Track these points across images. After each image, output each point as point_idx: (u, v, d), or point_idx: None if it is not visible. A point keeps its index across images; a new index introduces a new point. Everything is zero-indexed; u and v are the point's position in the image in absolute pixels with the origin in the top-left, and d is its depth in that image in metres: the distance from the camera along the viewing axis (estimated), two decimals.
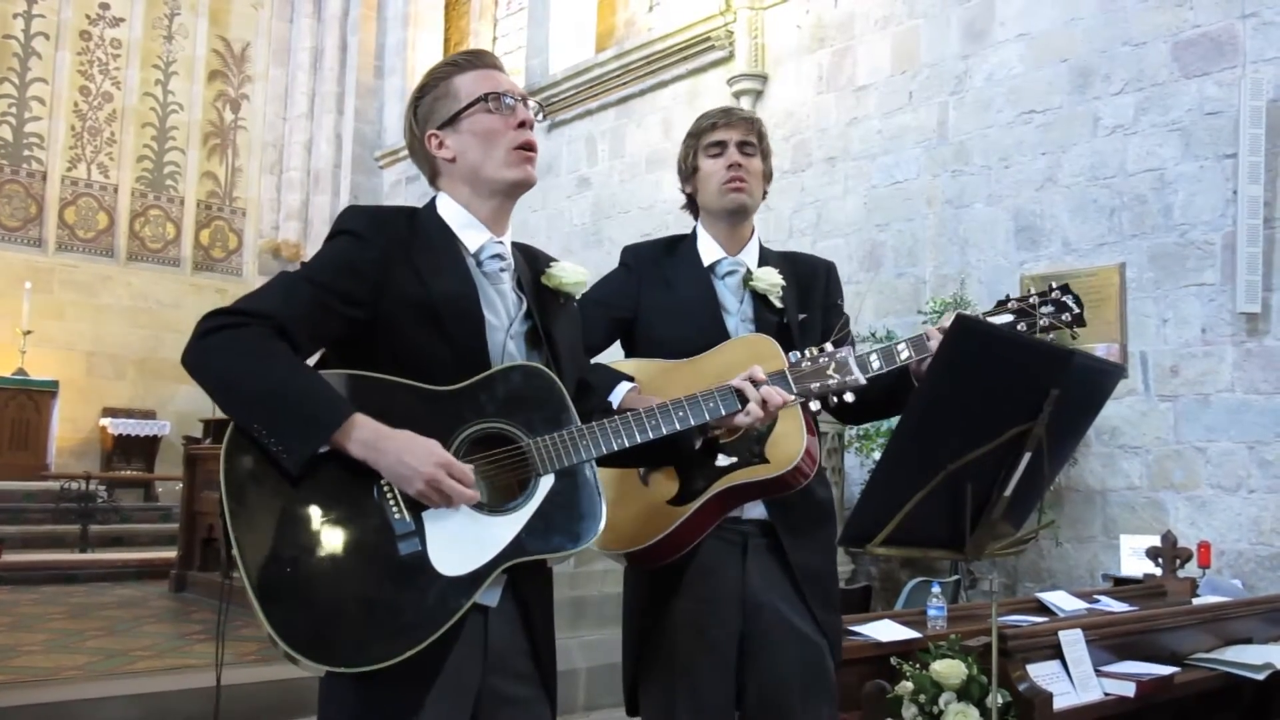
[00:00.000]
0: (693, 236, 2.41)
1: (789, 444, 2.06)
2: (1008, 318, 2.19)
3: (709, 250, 2.35)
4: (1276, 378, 5.48)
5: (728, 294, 2.32)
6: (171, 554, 7.31)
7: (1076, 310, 2.22)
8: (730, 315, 2.29)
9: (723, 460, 2.08)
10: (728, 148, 2.30)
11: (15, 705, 3.71)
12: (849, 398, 1.97)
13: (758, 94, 8.43)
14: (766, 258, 2.38)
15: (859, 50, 7.75)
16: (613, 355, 2.38)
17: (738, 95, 8.49)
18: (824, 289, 2.38)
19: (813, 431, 2.12)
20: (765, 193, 2.39)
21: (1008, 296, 2.25)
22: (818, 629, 2.16)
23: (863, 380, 1.88)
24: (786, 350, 2.01)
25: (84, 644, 4.99)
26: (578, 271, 1.88)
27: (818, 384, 1.87)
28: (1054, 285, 2.27)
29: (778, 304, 2.28)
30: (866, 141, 7.63)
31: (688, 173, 2.39)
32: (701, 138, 2.34)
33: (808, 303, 2.33)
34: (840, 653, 2.24)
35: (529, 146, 1.78)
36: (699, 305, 2.28)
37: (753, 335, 2.21)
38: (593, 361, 2.20)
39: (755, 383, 1.83)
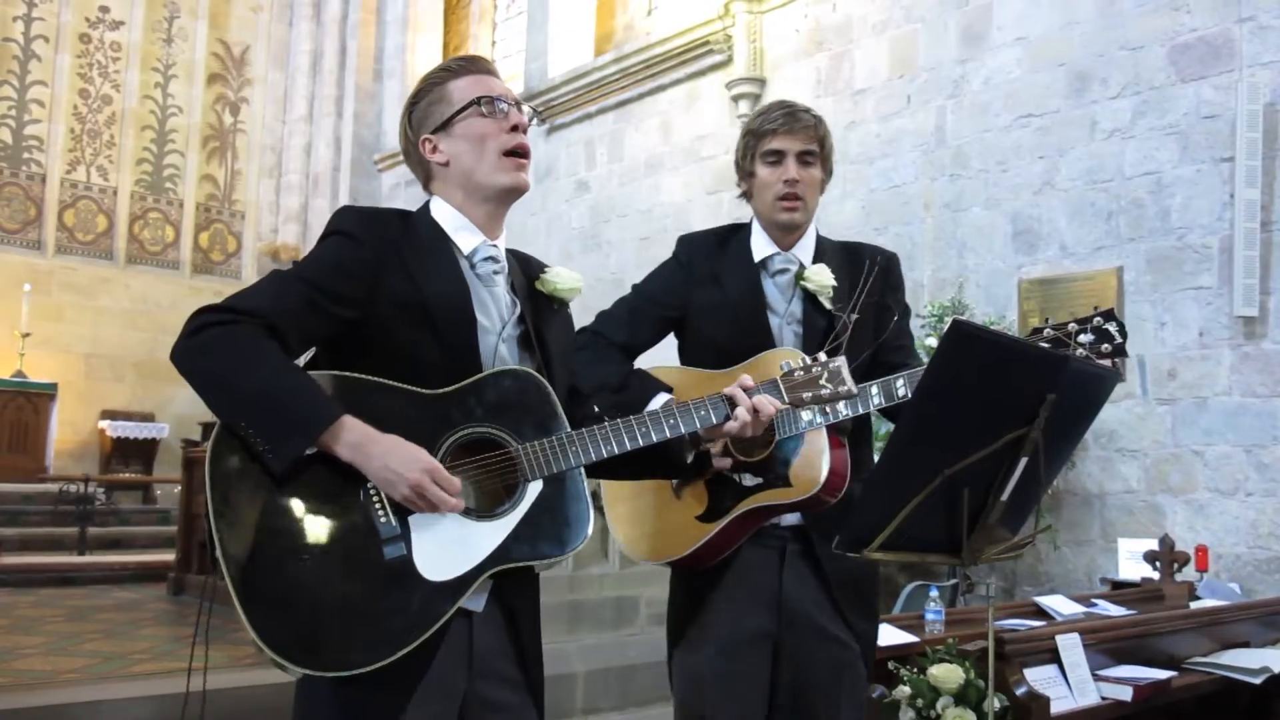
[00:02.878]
0: (748, 229, 2.33)
1: (811, 469, 2.06)
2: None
3: (761, 246, 2.28)
4: (1274, 381, 5.49)
5: (776, 293, 2.26)
6: (170, 557, 7.31)
7: (1119, 340, 2.08)
8: (775, 315, 2.24)
9: (749, 480, 2.10)
10: (786, 159, 2.21)
11: (14, 708, 3.70)
12: (844, 408, 1.98)
13: (756, 97, 8.44)
14: (823, 251, 2.30)
15: (857, 54, 7.76)
16: (650, 358, 2.37)
17: (736, 99, 8.50)
18: (880, 285, 2.28)
19: (840, 446, 2.10)
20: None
21: (1046, 321, 2.14)
22: (850, 633, 2.17)
23: (855, 391, 1.88)
24: (833, 354, 1.95)
25: (82, 647, 4.98)
26: (573, 278, 1.88)
27: (809, 394, 1.86)
28: (1097, 309, 2.12)
29: (827, 305, 2.21)
30: (864, 145, 7.63)
31: (743, 173, 2.30)
32: (761, 141, 2.23)
33: (861, 301, 2.23)
34: (873, 657, 2.26)
35: (521, 150, 1.77)
36: (744, 304, 2.23)
37: (787, 349, 2.18)
38: (635, 367, 2.23)
39: (747, 391, 1.82)
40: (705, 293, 2.27)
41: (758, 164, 2.25)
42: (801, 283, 2.23)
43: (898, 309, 2.31)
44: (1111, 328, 2.09)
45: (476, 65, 1.82)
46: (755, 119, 2.28)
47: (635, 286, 2.39)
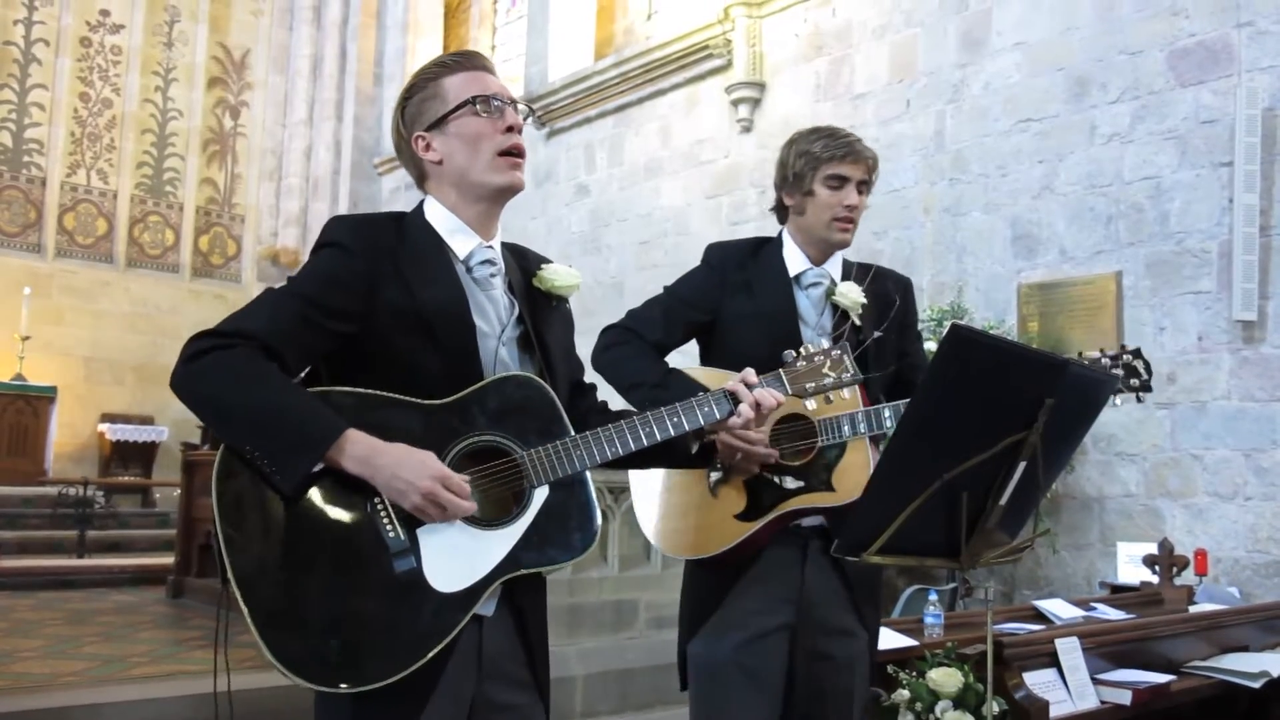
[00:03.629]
0: (778, 243, 2.44)
1: (856, 474, 2.16)
2: None
3: (794, 260, 2.40)
4: (1272, 385, 5.49)
5: (808, 305, 2.37)
6: (168, 560, 7.32)
7: (1146, 376, 2.19)
8: (808, 327, 2.34)
9: (791, 483, 2.20)
10: (848, 185, 2.33)
11: (13, 711, 3.70)
12: (887, 415, 2.11)
13: (756, 102, 8.45)
14: (849, 270, 2.43)
15: (856, 59, 7.77)
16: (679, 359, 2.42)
17: (736, 103, 8.51)
18: (901, 307, 2.43)
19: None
20: None
21: (1079, 355, 2.19)
22: (862, 624, 2.31)
23: (861, 377, 1.92)
24: (835, 342, 2.06)
25: (81, 650, 4.99)
26: (570, 274, 1.86)
27: (813, 384, 1.87)
28: (1124, 347, 2.23)
29: (857, 321, 2.33)
30: None
31: (797, 189, 2.36)
32: (823, 164, 2.32)
33: (884, 321, 2.37)
34: (877, 642, 2.40)
35: (516, 151, 1.74)
36: (778, 315, 2.33)
37: None
38: (671, 368, 2.30)
39: (749, 385, 1.83)
40: (737, 301, 2.36)
41: (818, 184, 2.34)
42: (833, 299, 2.35)
43: (911, 331, 2.47)
44: (1139, 365, 2.21)
45: (472, 61, 1.79)
46: (814, 142, 2.35)
47: (667, 288, 2.46)
